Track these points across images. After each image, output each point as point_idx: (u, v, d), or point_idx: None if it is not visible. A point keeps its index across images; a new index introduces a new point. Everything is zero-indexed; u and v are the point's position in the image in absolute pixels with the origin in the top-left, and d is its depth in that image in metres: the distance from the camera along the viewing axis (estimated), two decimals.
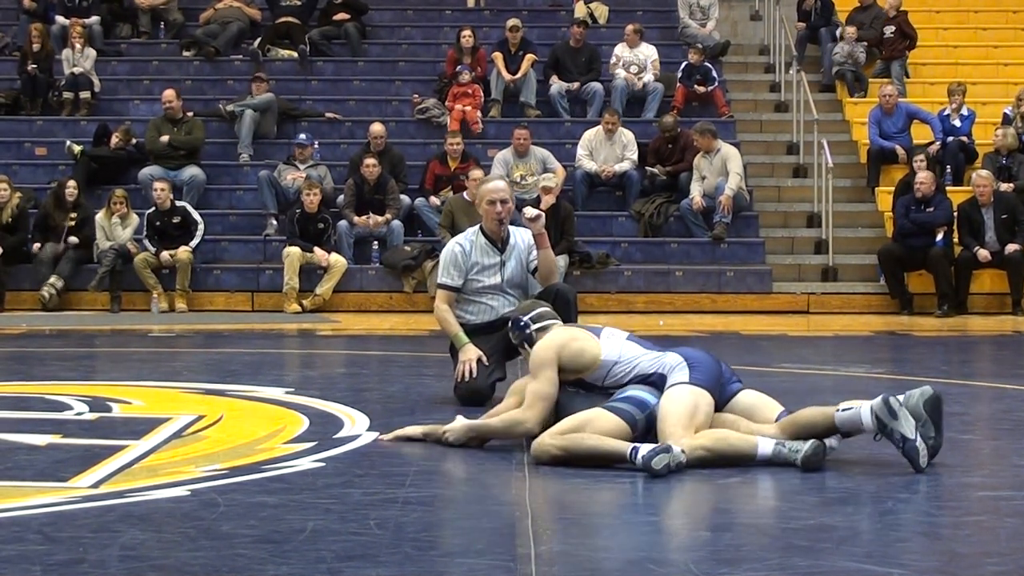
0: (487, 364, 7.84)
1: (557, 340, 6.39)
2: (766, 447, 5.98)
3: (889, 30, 19.21)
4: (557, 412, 6.35)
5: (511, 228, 8.05)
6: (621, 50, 18.63)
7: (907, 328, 14.23)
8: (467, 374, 7.79)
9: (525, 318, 6.64)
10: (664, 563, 4.47)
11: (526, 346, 6.58)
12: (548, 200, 15.17)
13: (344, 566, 4.36)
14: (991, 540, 4.92)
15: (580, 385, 6.41)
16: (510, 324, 6.75)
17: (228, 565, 4.39)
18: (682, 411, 6.04)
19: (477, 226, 8.10)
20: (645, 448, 5.84)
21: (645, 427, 6.10)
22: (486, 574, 4.32)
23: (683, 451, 5.85)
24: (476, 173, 15.26)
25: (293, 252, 15.37)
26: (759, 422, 6.20)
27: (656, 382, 6.20)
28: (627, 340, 6.42)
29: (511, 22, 18.74)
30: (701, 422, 6.06)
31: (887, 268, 15.61)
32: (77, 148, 17.03)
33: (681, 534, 5.10)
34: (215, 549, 4.59)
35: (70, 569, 4.33)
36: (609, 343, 6.38)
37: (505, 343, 7.40)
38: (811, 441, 5.95)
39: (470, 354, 7.85)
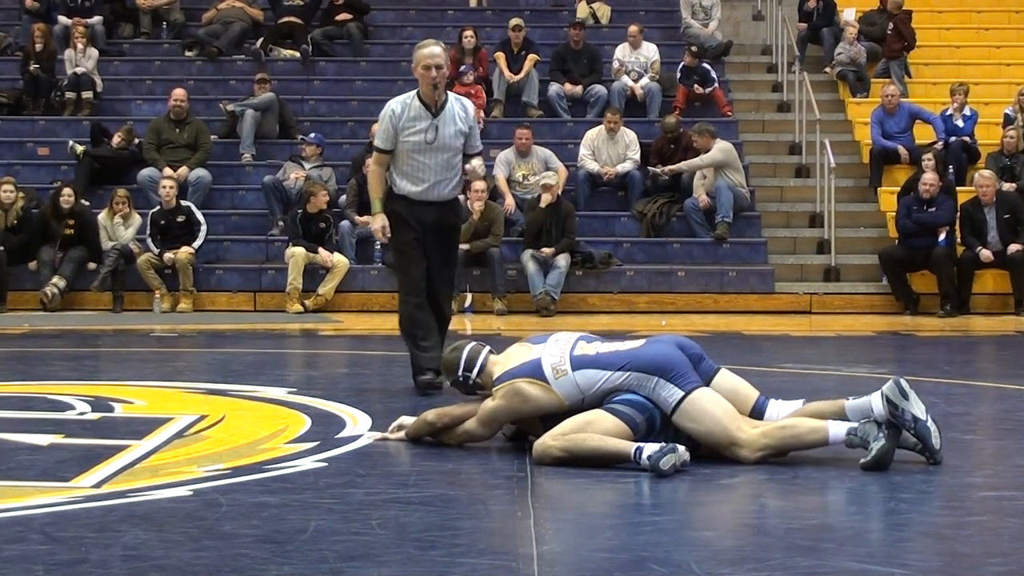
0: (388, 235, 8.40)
1: (513, 406, 6.21)
2: (839, 431, 5.95)
3: (888, 29, 19.20)
4: (546, 419, 6.31)
5: (450, 95, 8.18)
6: (622, 52, 18.60)
7: (909, 328, 14.22)
8: (381, 235, 8.49)
9: (460, 373, 6.45)
10: (666, 563, 4.46)
11: (477, 392, 6.50)
12: (547, 198, 15.19)
13: (346, 566, 4.36)
14: (994, 540, 4.91)
15: None
16: (452, 385, 6.62)
17: (230, 565, 4.39)
18: (722, 414, 6.02)
19: (415, 90, 8.22)
20: (650, 448, 5.83)
21: (646, 429, 6.07)
22: (488, 574, 4.32)
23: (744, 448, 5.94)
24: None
25: (298, 252, 15.35)
26: (738, 408, 6.19)
27: (640, 396, 6.09)
28: (578, 372, 6.13)
29: (513, 22, 18.73)
30: (735, 413, 6.06)
31: (889, 268, 15.60)
32: (79, 148, 17.04)
33: (683, 534, 5.09)
34: (217, 549, 4.59)
35: (72, 569, 4.33)
36: (564, 387, 6.13)
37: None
38: (884, 443, 5.89)
39: (377, 223, 8.47)
